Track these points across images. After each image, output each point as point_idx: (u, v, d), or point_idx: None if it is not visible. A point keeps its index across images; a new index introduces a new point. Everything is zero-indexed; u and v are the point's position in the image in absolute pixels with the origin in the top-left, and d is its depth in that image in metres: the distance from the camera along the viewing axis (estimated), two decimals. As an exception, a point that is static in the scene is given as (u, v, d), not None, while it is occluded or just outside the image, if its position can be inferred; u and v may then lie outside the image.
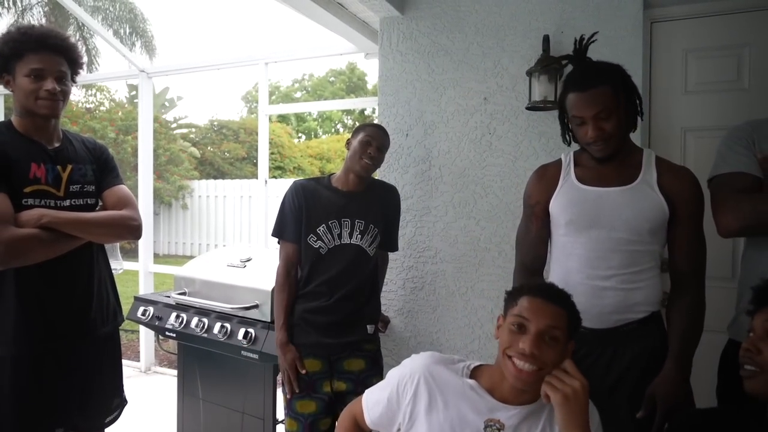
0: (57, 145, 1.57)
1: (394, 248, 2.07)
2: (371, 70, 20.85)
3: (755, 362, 1.03)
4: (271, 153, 10.71)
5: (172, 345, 2.79)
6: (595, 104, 1.33)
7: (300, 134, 16.11)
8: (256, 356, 2.16)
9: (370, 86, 18.21)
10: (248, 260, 2.45)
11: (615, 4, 2.03)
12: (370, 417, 1.27)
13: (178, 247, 10.65)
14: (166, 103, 13.86)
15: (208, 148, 12.33)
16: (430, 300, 2.32)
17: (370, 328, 1.88)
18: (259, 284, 2.25)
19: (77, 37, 11.51)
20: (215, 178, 11.12)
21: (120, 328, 1.76)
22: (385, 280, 2.23)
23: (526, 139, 2.16)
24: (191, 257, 8.96)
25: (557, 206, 1.45)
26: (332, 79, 18.37)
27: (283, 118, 14.12)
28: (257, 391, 2.29)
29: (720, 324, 1.49)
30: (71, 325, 1.54)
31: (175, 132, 12.53)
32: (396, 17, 2.40)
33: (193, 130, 13.24)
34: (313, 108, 10.68)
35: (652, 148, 2.07)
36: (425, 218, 2.33)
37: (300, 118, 16.12)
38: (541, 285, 1.20)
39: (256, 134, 3.76)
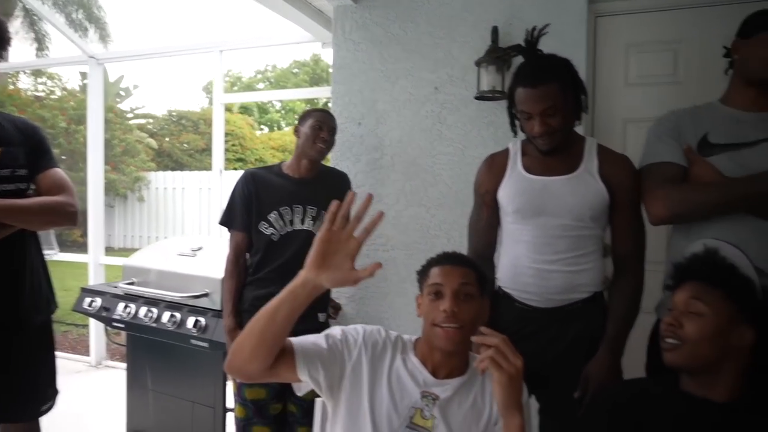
0: None
1: None
2: (335, 62, 20.61)
3: (677, 335, 1.07)
4: (232, 145, 10.52)
5: (123, 338, 2.73)
6: (543, 101, 1.37)
7: (262, 126, 15.89)
8: (206, 345, 2.14)
9: (334, 79, 18.09)
10: (199, 249, 2.42)
11: (561, -3, 2.08)
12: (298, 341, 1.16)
13: (134, 240, 10.37)
14: (122, 92, 13.44)
15: (166, 139, 12.03)
16: (381, 287, 2.35)
17: (321, 317, 1.89)
18: (210, 273, 2.23)
19: (24, 21, 11.01)
20: (173, 169, 10.86)
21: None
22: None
23: (475, 128, 2.21)
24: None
25: (505, 195, 1.49)
26: (296, 70, 18.16)
27: (245, 110, 13.89)
28: (207, 380, 2.27)
29: (652, 305, 1.56)
30: (3, 315, 1.49)
31: (131, 122, 12.17)
32: (349, 6, 2.40)
33: (151, 120, 12.89)
34: (270, 97, 10.53)
35: (596, 138, 2.13)
36: (377, 206, 2.30)
37: (262, 109, 15.90)
38: (445, 254, 1.26)
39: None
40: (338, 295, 2.37)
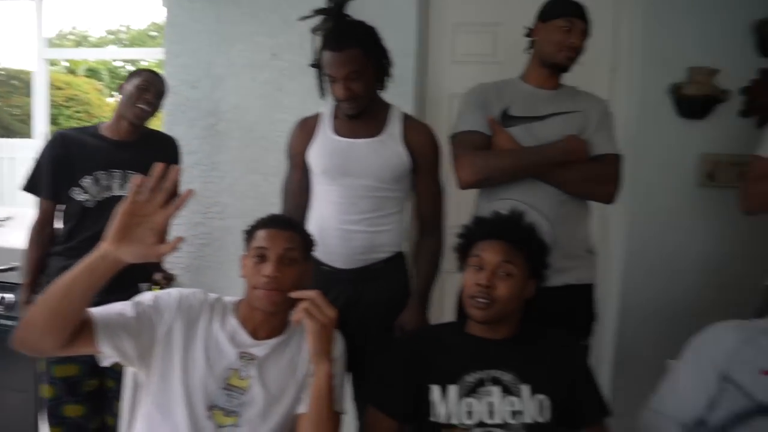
0: None
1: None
2: (199, 27, 19.30)
3: (489, 296, 1.17)
4: (77, 111, 9.47)
5: None
6: (346, 66, 1.41)
7: (114, 92, 14.48)
8: (13, 323, 1.95)
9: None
10: (6, 219, 2.17)
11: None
12: (102, 314, 1.11)
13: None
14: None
15: (-6, 101, 10.47)
16: (218, 255, 2.31)
17: (143, 286, 1.80)
18: (18, 244, 2.01)
19: None
20: (2, 136, 9.51)
21: None
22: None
23: (313, 96, 2.21)
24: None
25: (313, 156, 1.54)
26: (155, 33, 16.72)
27: (93, 73, 12.52)
28: (19, 363, 2.07)
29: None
30: None
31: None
32: (182, -41, 2.27)
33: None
34: (94, 55, 9.54)
35: (426, 111, 2.28)
36: (212, 173, 2.29)
37: (114, 73, 14.44)
38: (272, 217, 1.30)
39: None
40: (173, 265, 2.28)
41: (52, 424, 1.69)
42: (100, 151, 1.75)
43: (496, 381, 1.17)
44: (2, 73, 11.52)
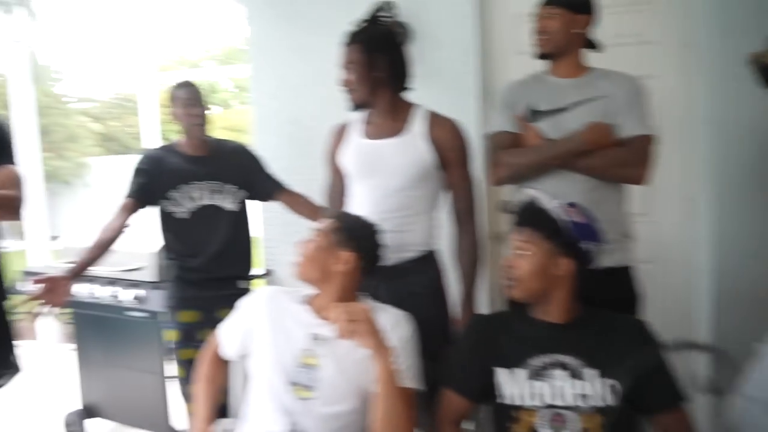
0: None
1: (278, 189, 2.11)
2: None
3: (512, 276, 1.27)
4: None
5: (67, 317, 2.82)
6: (345, 57, 1.56)
7: (210, 106, 15.55)
8: (146, 315, 2.29)
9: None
10: (129, 226, 2.52)
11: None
12: (224, 347, 1.46)
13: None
14: (55, 75, 12.92)
15: (110, 123, 11.74)
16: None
17: (241, 284, 2.03)
18: (143, 247, 2.36)
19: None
20: (121, 153, 10.66)
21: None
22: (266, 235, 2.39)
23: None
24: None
25: (344, 159, 1.64)
26: (246, 47, 17.67)
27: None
28: (150, 348, 2.40)
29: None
30: None
31: (71, 106, 11.78)
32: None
33: (97, 104, 12.51)
34: (195, 76, 10.32)
35: (487, 103, 2.33)
36: (294, 176, 2.46)
37: (212, 88, 15.54)
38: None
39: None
40: (270, 262, 2.52)
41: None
42: (181, 166, 1.94)
43: (561, 365, 1.21)
44: (119, 97, 12.90)
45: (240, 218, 2.03)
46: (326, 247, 1.37)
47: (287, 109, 2.50)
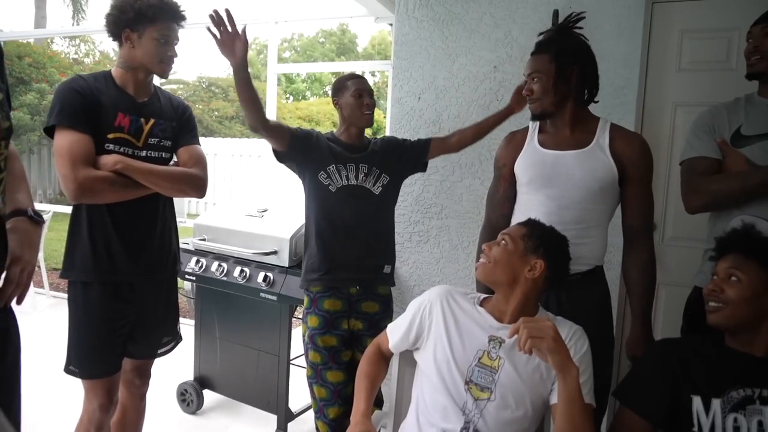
0: (145, 99, 1.70)
1: (426, 143, 2.08)
2: (362, 32, 20.41)
3: (719, 299, 1.23)
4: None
5: (188, 291, 2.95)
6: (531, 66, 1.57)
7: (288, 96, 15.98)
8: (274, 298, 2.35)
9: (360, 49, 18.01)
10: (265, 211, 2.61)
11: (621, -17, 2.18)
12: (392, 341, 1.49)
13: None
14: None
15: (197, 105, 12.23)
16: (434, 252, 2.52)
17: (386, 268, 2.00)
18: (278, 233, 2.42)
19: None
20: (205, 136, 11.08)
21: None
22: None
23: (530, 106, 2.33)
24: (188, 213, 9.01)
25: (520, 167, 1.63)
26: (322, 40, 18.10)
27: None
28: (273, 331, 2.48)
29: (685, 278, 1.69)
30: (131, 264, 1.67)
31: (163, 88, 12.35)
32: (413, -16, 2.52)
33: (182, 86, 13.07)
34: (326, 68, 10.63)
35: (646, 120, 2.27)
36: (432, 177, 2.51)
37: (288, 79, 15.94)
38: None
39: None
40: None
41: (317, 385, 1.98)
42: (335, 150, 1.94)
43: (763, 400, 1.17)
44: (204, 81, 13.43)
45: (387, 206, 2.01)
46: (518, 252, 1.36)
47: (430, 109, 2.51)
